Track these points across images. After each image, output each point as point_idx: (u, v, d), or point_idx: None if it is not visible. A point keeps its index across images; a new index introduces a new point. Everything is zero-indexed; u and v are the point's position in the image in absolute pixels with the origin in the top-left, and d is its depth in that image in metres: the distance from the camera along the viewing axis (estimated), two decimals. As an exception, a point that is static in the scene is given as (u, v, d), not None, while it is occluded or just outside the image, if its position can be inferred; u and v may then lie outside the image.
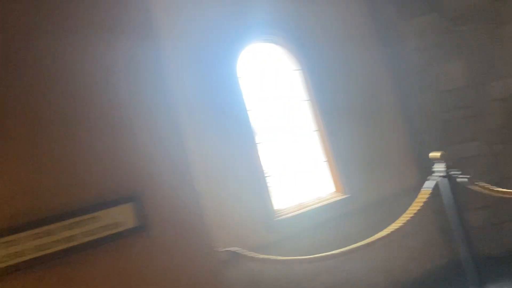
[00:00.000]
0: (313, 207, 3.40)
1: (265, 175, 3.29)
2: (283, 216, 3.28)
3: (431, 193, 2.92)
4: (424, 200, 2.92)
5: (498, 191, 2.85)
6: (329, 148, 3.58)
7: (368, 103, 3.80)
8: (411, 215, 2.86)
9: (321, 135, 3.63)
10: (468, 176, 2.68)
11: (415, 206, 2.95)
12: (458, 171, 2.72)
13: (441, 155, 2.68)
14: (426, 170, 3.07)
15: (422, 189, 3.00)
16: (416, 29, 3.79)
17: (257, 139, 3.34)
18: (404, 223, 2.83)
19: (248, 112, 3.30)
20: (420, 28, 3.78)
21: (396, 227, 2.83)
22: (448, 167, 2.70)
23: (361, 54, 3.87)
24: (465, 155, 3.66)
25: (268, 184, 3.27)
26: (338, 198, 3.50)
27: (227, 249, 2.56)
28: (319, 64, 3.64)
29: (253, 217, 3.12)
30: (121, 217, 1.72)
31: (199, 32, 3.20)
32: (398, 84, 3.93)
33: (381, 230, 2.87)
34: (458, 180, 2.81)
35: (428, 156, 2.94)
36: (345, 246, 2.71)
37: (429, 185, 2.92)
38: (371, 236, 2.82)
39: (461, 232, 2.84)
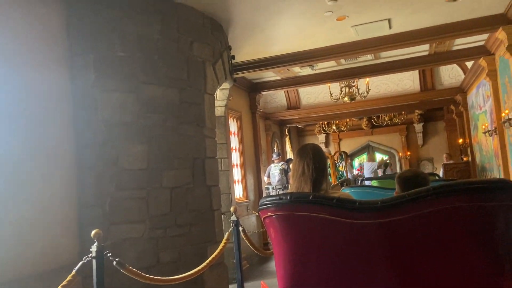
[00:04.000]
0: None
1: None
2: None
3: (87, 273, 2.70)
4: (71, 279, 2.67)
5: (146, 277, 2.92)
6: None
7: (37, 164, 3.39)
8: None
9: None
10: (118, 259, 2.62)
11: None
12: (109, 252, 2.64)
13: (95, 234, 2.55)
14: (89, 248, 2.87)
15: (74, 269, 2.75)
16: (111, 103, 3.82)
17: None
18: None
19: None
20: (115, 103, 3.83)
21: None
22: (100, 248, 2.58)
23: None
24: (129, 236, 3.69)
25: None
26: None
27: None
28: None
29: None
30: None
31: None
32: (80, 156, 3.74)
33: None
34: (113, 262, 2.73)
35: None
36: None
37: (79, 265, 2.70)
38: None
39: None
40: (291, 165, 8.69)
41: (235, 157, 7.79)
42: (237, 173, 7.80)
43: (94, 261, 2.64)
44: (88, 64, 3.84)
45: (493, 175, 8.07)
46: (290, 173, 9.64)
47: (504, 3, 5.16)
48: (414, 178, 2.53)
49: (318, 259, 1.82)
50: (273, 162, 10.24)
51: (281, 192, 8.87)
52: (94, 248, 2.62)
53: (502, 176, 7.05)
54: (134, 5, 4.05)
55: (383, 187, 3.76)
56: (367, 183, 8.48)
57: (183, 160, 4.19)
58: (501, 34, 5.58)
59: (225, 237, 3.36)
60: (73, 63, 3.83)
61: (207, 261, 3.21)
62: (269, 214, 1.87)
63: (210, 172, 4.50)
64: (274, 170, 9.55)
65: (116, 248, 3.61)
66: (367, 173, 11.68)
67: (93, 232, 2.60)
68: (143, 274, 2.78)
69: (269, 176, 9.80)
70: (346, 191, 3.38)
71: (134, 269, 2.72)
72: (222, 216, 4.97)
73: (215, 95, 5.17)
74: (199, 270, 3.14)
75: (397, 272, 1.69)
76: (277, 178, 9.53)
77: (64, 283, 2.68)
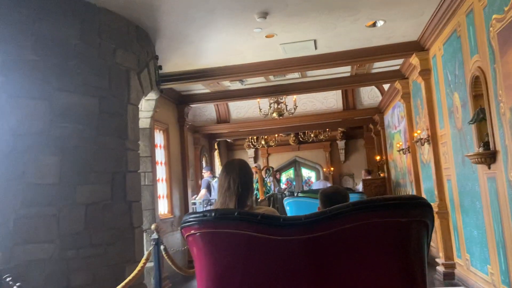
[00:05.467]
0: None
1: None
2: None
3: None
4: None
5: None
6: None
7: None
8: None
9: None
10: (18, 284, 2.34)
11: None
12: (9, 276, 2.34)
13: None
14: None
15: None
16: (19, 110, 3.47)
17: None
18: None
19: None
20: (24, 110, 3.49)
21: None
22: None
23: None
24: (35, 257, 3.34)
25: None
26: None
27: None
28: None
29: None
30: None
31: None
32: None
33: None
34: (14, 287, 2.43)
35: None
36: None
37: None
38: None
39: None
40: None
41: (161, 171, 7.52)
42: (162, 188, 7.53)
43: (-12, 287, 2.33)
44: (-7, 67, 3.47)
45: (406, 190, 8.66)
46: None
47: (417, 32, 5.61)
48: (335, 194, 2.65)
49: (243, 277, 1.78)
50: (202, 176, 10.09)
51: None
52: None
53: (414, 191, 7.57)
54: (50, 6, 3.75)
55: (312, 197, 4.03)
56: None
57: (101, 174, 3.92)
58: (414, 59, 6.04)
59: (145, 256, 3.16)
60: (-25, 64, 3.44)
61: (124, 282, 3.00)
62: (192, 232, 1.79)
63: (131, 187, 4.26)
64: (216, 185, 9.61)
65: (21, 270, 3.24)
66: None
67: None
68: (48, 300, 2.51)
69: (207, 188, 9.66)
70: (288, 201, 3.54)
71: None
72: (144, 233, 4.73)
73: (139, 106, 4.95)
74: (114, 293, 2.91)
75: (319, 286, 1.71)
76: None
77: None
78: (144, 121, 5.83)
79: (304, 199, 4.28)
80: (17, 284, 2.40)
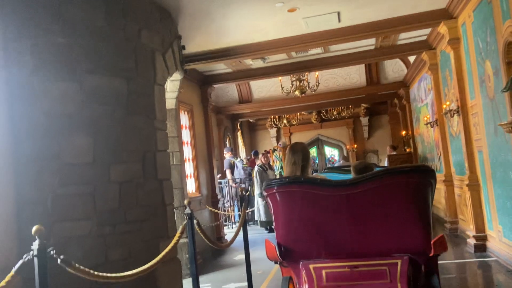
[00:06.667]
0: None
1: None
2: None
3: (28, 275, 2.49)
4: (10, 280, 2.44)
5: (94, 275, 2.75)
6: None
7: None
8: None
9: None
10: (63, 257, 2.44)
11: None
12: (53, 249, 2.44)
13: (36, 230, 2.35)
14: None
15: (13, 269, 2.52)
16: (52, 93, 3.56)
17: None
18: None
19: None
20: (56, 93, 3.58)
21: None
22: (42, 245, 2.38)
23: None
24: (74, 233, 3.47)
25: None
26: None
27: None
28: None
29: None
30: None
31: None
32: (18, 150, 3.46)
33: None
34: (58, 260, 2.53)
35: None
36: None
37: (19, 264, 2.48)
38: None
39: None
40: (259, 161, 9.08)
41: (187, 151, 7.62)
42: (189, 168, 7.64)
43: (35, 259, 2.43)
44: (24, 51, 3.55)
45: (434, 164, 8.53)
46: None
47: (445, -1, 5.42)
48: (364, 167, 3.46)
49: (306, 220, 2.82)
50: (223, 157, 10.22)
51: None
52: (35, 245, 2.41)
53: (443, 165, 7.45)
54: (75, -12, 3.78)
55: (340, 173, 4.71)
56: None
57: (133, 153, 4.00)
58: (442, 28, 5.85)
59: (179, 231, 3.24)
60: (7, 49, 3.52)
61: (159, 256, 3.08)
62: (273, 191, 2.82)
63: (162, 165, 4.34)
64: (240, 164, 10.35)
65: (60, 247, 3.36)
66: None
67: (34, 229, 2.39)
68: (91, 271, 2.61)
69: (230, 169, 9.82)
70: (322, 175, 4.49)
71: (81, 267, 2.55)
72: (175, 211, 4.83)
73: (165, 87, 4.99)
74: (151, 266, 3.00)
75: (358, 228, 2.73)
76: (242, 173, 10.19)
77: (1, 284, 2.46)
78: (169, 101, 5.89)
79: (331, 174, 4.50)
80: (61, 256, 2.50)
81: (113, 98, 3.91)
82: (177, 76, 5.50)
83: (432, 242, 2.65)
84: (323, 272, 2.79)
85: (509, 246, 4.69)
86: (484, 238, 5.49)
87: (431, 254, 2.69)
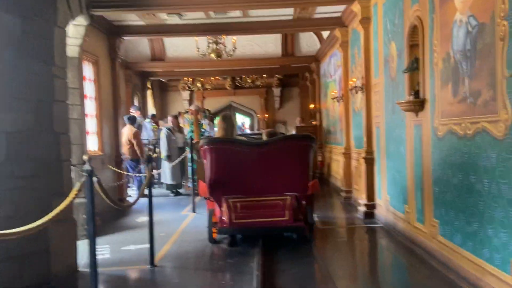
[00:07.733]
0: None
1: None
2: None
3: None
4: None
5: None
6: None
7: None
8: None
9: None
10: None
11: None
12: None
13: None
14: None
15: None
16: None
17: None
18: None
19: None
20: None
21: None
22: None
23: None
24: None
25: None
26: None
27: None
28: None
29: None
30: None
31: None
32: None
33: None
34: None
35: None
36: None
37: None
38: None
39: None
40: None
41: (90, 106, 7.07)
42: (92, 124, 7.12)
43: None
44: None
45: (336, 137, 9.08)
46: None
47: (361, -22, 5.61)
48: (274, 132, 5.46)
49: (230, 169, 4.63)
50: (129, 113, 9.72)
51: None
52: None
53: (344, 138, 7.96)
54: None
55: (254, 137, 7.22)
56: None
57: (25, 102, 3.56)
58: (356, 7, 6.08)
59: (76, 187, 3.00)
60: None
61: (50, 215, 2.83)
62: (206, 147, 4.65)
63: (59, 118, 3.95)
64: (148, 125, 10.17)
65: None
66: None
67: None
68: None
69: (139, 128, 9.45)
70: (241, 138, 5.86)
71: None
72: (73, 168, 4.48)
73: (67, 31, 4.49)
74: (40, 225, 2.75)
75: (264, 174, 4.66)
76: (151, 135, 9.96)
77: None
78: (72, 49, 5.34)
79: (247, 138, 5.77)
80: None
81: (3, 37, 3.40)
82: (81, 21, 4.99)
83: (309, 185, 4.69)
84: (238, 204, 4.42)
85: (394, 214, 5.21)
86: (373, 207, 6.02)
87: (309, 193, 4.73)
